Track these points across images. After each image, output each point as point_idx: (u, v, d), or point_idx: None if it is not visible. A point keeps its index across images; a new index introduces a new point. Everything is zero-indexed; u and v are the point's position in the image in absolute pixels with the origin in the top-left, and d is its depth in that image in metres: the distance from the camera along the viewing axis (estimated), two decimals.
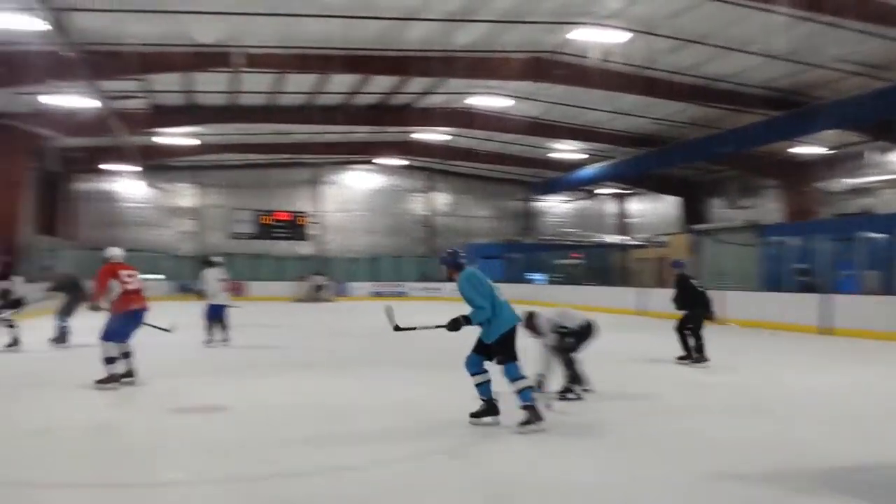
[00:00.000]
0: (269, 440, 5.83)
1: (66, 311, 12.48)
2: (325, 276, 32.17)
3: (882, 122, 20.01)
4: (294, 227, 34.90)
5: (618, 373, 9.55)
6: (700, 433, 6.26)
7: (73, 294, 12.41)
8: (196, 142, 27.71)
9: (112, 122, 20.42)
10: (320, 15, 16.02)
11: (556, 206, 39.43)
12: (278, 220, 34.68)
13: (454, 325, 6.25)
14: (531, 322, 7.60)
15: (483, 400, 6.33)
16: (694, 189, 33.14)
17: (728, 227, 23.49)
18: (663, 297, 21.47)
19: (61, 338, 12.29)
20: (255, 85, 21.26)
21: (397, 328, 6.63)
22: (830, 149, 25.16)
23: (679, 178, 32.54)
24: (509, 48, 18.71)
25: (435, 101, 24.29)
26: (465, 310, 6.22)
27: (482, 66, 19.37)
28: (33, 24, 13.71)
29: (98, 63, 16.25)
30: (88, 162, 29.03)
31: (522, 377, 6.13)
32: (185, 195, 34.16)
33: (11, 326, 11.65)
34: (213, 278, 13.29)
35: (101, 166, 29.99)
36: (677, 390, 8.57)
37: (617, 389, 8.15)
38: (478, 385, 6.30)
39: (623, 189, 37.77)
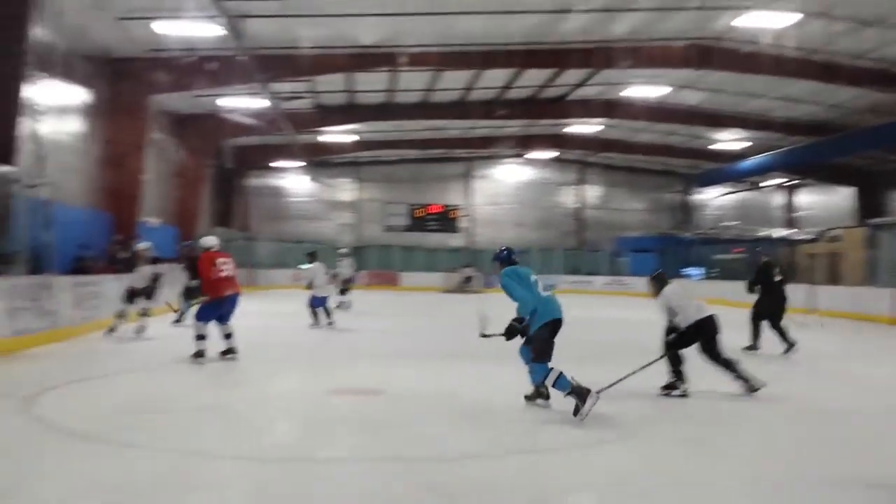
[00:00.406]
0: (418, 424, 6.06)
1: (187, 294, 13.18)
2: (474, 268, 32.59)
3: None
4: (445, 220, 35.54)
5: (777, 372, 9.05)
6: (846, 437, 5.94)
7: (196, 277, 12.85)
8: (355, 138, 28.94)
9: (281, 122, 21.70)
10: (477, 11, 16.21)
11: (715, 198, 37.68)
12: (430, 213, 35.45)
13: (509, 332, 6.40)
14: (658, 278, 7.67)
15: (535, 387, 6.65)
16: (871, 179, 30.54)
17: None
18: (836, 295, 20.22)
19: (179, 319, 13.30)
20: (412, 83, 21.87)
21: (483, 336, 6.65)
22: None
23: (854, 167, 30.12)
24: (669, 35, 18.10)
25: (589, 92, 23.92)
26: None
27: (640, 55, 18.86)
28: (211, 30, 14.82)
29: (269, 66, 17.32)
30: (259, 159, 31.10)
31: (547, 375, 6.24)
32: (345, 189, 35.79)
33: (145, 314, 11.89)
34: (320, 272, 14.04)
35: (270, 163, 32.01)
36: (836, 391, 8.13)
37: (768, 389, 7.75)
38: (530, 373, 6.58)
39: (791, 180, 35.47)
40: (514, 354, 10.55)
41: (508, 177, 36.79)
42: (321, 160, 32.22)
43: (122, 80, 17.21)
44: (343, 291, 18.88)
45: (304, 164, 30.98)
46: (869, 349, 12.89)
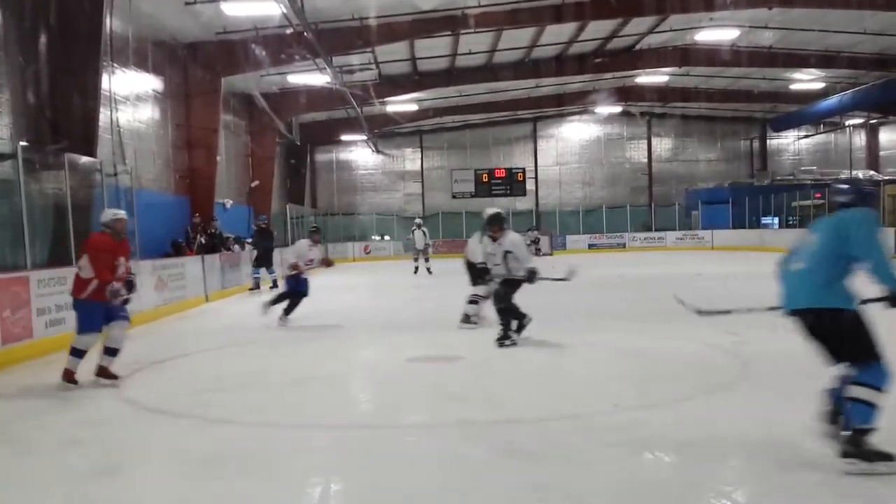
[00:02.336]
0: (503, 389, 6.14)
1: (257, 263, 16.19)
2: (541, 230, 32.37)
3: None
4: (512, 183, 35.12)
5: None
6: None
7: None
8: (416, 107, 28.89)
9: (346, 95, 21.82)
10: None
11: (792, 142, 36.22)
12: (496, 177, 35.12)
13: None
14: (502, 218, 8.19)
15: None
16: None
17: None
18: None
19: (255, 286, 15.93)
20: (474, 45, 21.63)
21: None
22: None
23: None
24: None
25: (656, 40, 23.25)
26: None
27: None
28: (274, 8, 14.90)
29: (332, 39, 17.36)
30: (324, 134, 31.45)
31: None
32: (410, 159, 35.91)
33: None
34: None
35: (336, 138, 32.32)
36: None
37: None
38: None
39: (873, 118, 33.75)
40: (588, 318, 10.54)
41: (574, 135, 36.18)
42: (385, 131, 32.36)
43: (194, 65, 17.63)
44: (416, 260, 21.05)
45: (368, 136, 31.18)
46: None
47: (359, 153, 35.14)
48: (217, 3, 14.72)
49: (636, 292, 14.31)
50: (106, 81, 12.50)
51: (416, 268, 20.78)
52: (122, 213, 6.94)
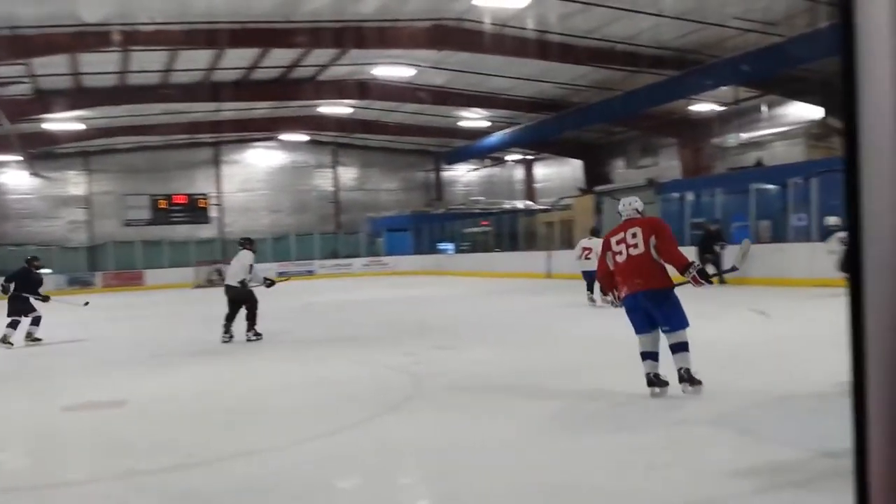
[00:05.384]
0: (174, 432, 5.60)
1: None
2: (226, 260, 31.28)
3: (775, 77, 20.11)
4: (193, 210, 33.45)
5: (517, 332, 9.84)
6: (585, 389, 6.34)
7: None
8: (82, 126, 26.21)
9: None
10: None
11: (463, 174, 39.56)
12: (176, 204, 33.15)
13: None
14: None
15: None
16: (596, 151, 33.77)
17: (629, 187, 24.11)
18: (569, 259, 22.19)
19: None
20: (147, 64, 20.29)
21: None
22: (725, 105, 25.43)
23: (582, 141, 33.04)
24: (413, 16, 18.47)
25: (338, 73, 23.82)
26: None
27: (386, 36, 19.00)
28: None
29: None
30: None
31: None
32: (73, 183, 32.38)
33: None
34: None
35: None
36: (567, 347, 8.87)
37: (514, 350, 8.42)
38: None
39: (529, 155, 38.24)
40: (265, 347, 10.26)
41: (261, 161, 35.65)
42: (43, 151, 28.84)
43: None
44: None
45: (22, 157, 27.53)
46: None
47: (10, 175, 30.82)
48: None
49: (320, 318, 14.41)
50: None
51: None
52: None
